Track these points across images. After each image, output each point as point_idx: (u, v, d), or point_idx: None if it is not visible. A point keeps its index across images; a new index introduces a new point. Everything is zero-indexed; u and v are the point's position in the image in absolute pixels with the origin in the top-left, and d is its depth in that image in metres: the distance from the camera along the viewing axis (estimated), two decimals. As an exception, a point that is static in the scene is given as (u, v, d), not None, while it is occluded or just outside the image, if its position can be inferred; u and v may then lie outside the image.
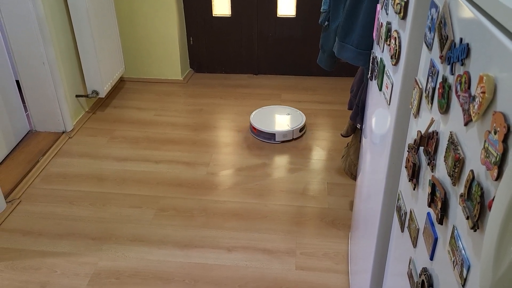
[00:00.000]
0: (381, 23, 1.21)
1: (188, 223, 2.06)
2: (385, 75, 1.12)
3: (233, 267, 1.85)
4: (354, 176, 1.97)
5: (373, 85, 1.38)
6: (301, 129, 2.68)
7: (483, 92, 0.55)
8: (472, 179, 0.59)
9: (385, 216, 1.21)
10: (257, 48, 3.40)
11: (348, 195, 2.22)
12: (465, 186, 0.60)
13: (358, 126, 1.78)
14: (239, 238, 1.98)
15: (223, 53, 3.44)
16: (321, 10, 1.79)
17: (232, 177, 2.35)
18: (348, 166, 1.94)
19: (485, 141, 0.55)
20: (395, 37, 0.99)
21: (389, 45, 1.07)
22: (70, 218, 2.09)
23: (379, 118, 1.24)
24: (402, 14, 0.94)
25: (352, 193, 2.24)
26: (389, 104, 1.07)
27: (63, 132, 2.67)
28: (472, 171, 0.59)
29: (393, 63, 1.01)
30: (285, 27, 3.31)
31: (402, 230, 0.98)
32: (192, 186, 2.29)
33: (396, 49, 0.98)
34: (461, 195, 0.62)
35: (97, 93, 2.80)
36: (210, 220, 2.08)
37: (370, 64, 1.44)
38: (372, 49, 1.48)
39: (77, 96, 2.77)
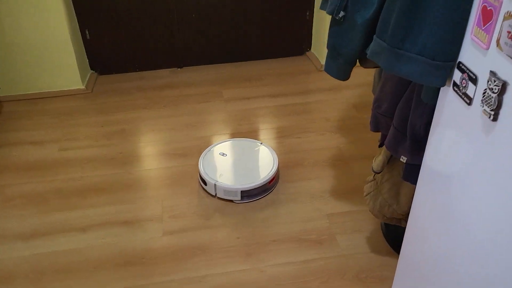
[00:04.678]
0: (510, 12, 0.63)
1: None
2: None
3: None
4: (386, 218, 1.43)
5: (473, 115, 0.81)
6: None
7: None
8: None
9: None
10: (178, 34, 2.63)
11: (360, 229, 1.70)
12: None
13: (403, 159, 1.23)
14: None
15: (133, 45, 2.62)
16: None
17: (201, 233, 1.68)
18: (380, 207, 1.39)
19: None
20: None
21: None
22: None
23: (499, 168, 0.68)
24: None
25: (364, 224, 1.71)
26: None
27: None
28: None
29: None
30: (211, 5, 2.58)
31: None
32: (148, 261, 1.58)
33: None
34: None
35: (-36, 137, 1.88)
36: None
37: (467, 83, 0.86)
38: (456, 59, 0.90)
39: None
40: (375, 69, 1.88)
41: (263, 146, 1.97)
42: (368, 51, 1.09)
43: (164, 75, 2.69)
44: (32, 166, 2.00)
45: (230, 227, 1.70)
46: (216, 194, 1.79)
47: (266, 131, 2.20)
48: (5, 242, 1.64)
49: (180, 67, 2.74)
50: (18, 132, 2.22)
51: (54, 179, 1.93)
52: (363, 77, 2.63)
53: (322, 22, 2.64)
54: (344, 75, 1.26)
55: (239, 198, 1.77)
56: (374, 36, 1.05)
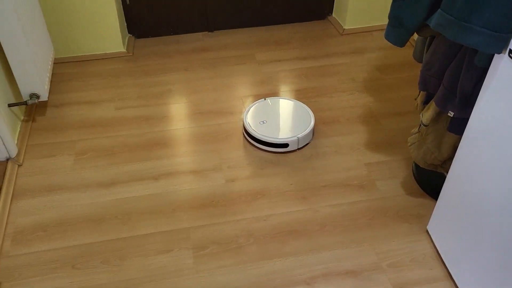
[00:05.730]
0: None
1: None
2: None
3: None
4: (427, 164, 1.70)
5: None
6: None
7: None
8: None
9: None
10: None
11: (395, 176, 1.97)
12: None
13: (450, 113, 1.48)
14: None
15: (167, 9, 2.77)
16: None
17: (259, 181, 1.93)
18: (423, 154, 1.66)
19: None
20: None
21: None
22: None
23: None
24: None
25: (398, 171, 1.99)
26: None
27: (8, 160, 1.93)
28: None
29: None
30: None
31: None
32: (218, 204, 1.83)
33: None
34: None
35: (37, 97, 2.04)
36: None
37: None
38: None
39: (10, 105, 1.99)
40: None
41: (280, 99, 2.24)
42: (432, 23, 1.31)
43: (198, 38, 2.86)
44: (94, 123, 2.20)
45: (283, 175, 1.95)
46: (298, 146, 2.07)
47: (301, 92, 2.42)
48: (89, 190, 1.87)
49: (211, 31, 2.91)
50: (72, 93, 2.39)
51: (117, 134, 2.14)
52: (384, 41, 2.85)
53: (345, -11, 2.82)
54: (402, 42, 1.49)
55: (311, 137, 2.14)
56: (439, 10, 1.27)
